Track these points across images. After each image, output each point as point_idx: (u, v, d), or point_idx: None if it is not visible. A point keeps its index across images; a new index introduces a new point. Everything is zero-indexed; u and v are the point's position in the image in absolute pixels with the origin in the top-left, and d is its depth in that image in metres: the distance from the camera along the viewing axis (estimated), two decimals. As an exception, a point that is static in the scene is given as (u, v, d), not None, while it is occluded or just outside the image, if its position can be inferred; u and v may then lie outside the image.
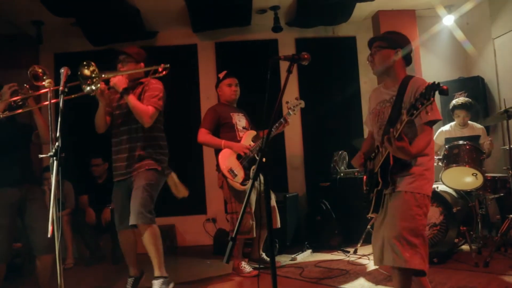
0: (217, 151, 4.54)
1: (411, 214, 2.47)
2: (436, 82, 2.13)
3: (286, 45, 6.67)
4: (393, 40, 2.73)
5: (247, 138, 4.62)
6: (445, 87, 2.15)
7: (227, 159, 4.47)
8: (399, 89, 2.61)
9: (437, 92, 2.10)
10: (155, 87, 3.79)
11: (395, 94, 2.63)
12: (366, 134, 6.19)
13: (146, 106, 3.66)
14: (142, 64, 3.91)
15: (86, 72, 3.35)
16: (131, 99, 3.63)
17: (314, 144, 6.62)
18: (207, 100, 6.45)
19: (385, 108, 2.70)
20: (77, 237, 5.68)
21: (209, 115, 4.66)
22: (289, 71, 2.31)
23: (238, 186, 4.42)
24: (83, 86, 3.38)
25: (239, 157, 4.48)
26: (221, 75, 4.83)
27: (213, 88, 6.45)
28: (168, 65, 3.84)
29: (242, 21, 6.24)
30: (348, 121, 6.57)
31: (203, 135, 4.55)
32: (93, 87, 3.38)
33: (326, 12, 6.05)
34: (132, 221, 3.61)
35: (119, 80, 3.65)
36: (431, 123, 2.52)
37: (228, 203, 4.54)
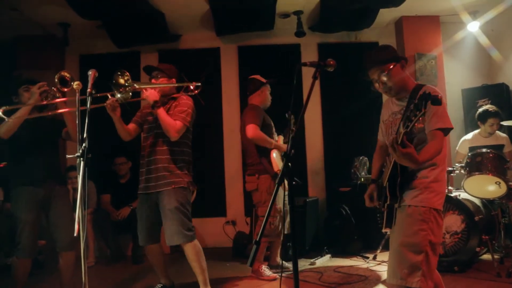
0: (260, 151, 4.51)
1: (414, 230, 2.40)
2: (427, 92, 2.11)
3: (309, 50, 6.67)
4: (391, 55, 2.64)
5: (281, 142, 4.68)
6: (439, 97, 2.13)
7: (279, 160, 4.49)
8: (408, 99, 2.57)
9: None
10: (185, 102, 3.79)
11: (405, 105, 2.59)
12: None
13: (174, 121, 3.65)
14: (173, 80, 3.92)
15: (121, 80, 3.44)
16: (161, 113, 3.62)
17: (335, 149, 6.60)
18: (228, 104, 6.53)
19: (396, 119, 2.66)
20: (98, 236, 5.74)
21: (257, 112, 4.59)
22: (315, 77, 2.30)
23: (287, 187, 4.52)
24: (116, 93, 3.47)
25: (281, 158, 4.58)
26: (263, 80, 4.78)
27: (234, 92, 6.56)
28: (200, 84, 3.88)
29: (265, 25, 6.24)
30: (370, 127, 6.25)
31: (257, 130, 4.44)
32: (125, 96, 3.47)
33: (349, 18, 6.02)
34: (173, 242, 3.63)
35: (151, 94, 3.66)
36: (443, 131, 2.43)
37: (260, 206, 4.53)
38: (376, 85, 2.64)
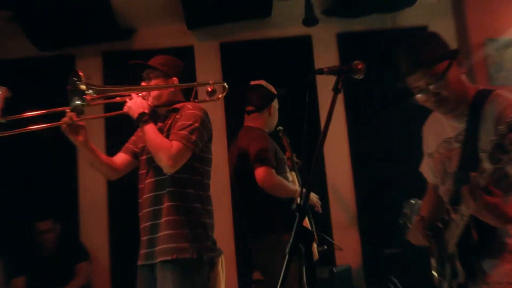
0: (276, 204, 4.30)
1: None
2: None
3: (324, 43, 6.54)
4: (442, 49, 2.59)
5: (296, 183, 4.49)
6: None
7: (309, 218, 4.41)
8: (469, 117, 2.51)
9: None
10: (189, 113, 3.51)
11: (464, 128, 2.53)
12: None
13: (168, 141, 3.40)
14: (175, 79, 3.70)
15: (81, 86, 3.24)
16: (148, 130, 3.39)
17: (370, 188, 6.34)
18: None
19: (452, 151, 2.60)
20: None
21: (268, 144, 4.37)
22: (336, 90, 2.20)
23: (316, 255, 4.42)
24: (72, 101, 3.27)
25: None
26: (273, 89, 4.64)
27: (217, 109, 6.40)
28: (225, 84, 3.75)
29: (259, 12, 6.18)
30: (419, 155, 6.24)
31: (274, 177, 4.20)
32: (82, 102, 3.25)
33: None
34: None
35: (136, 103, 3.44)
36: None
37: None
38: (421, 96, 2.55)
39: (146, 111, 3.41)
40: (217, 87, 3.71)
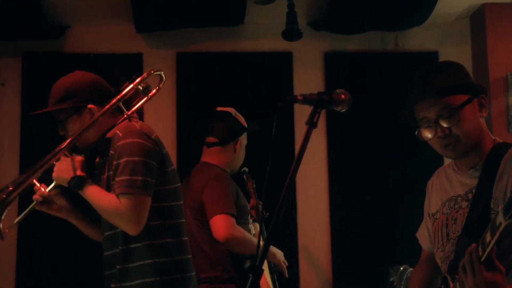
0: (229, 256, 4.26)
1: None
2: None
3: (307, 62, 6.38)
4: (463, 81, 2.63)
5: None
6: None
7: (266, 278, 4.43)
8: (483, 170, 2.50)
9: None
10: (121, 147, 3.18)
11: (475, 184, 2.50)
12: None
13: (116, 200, 3.14)
14: (91, 107, 3.31)
15: None
16: (90, 196, 3.18)
17: (350, 252, 6.25)
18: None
19: (459, 211, 2.58)
20: None
21: (229, 188, 4.31)
22: (312, 123, 2.14)
23: None
24: None
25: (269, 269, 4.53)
26: (244, 121, 4.60)
27: (169, 136, 6.39)
28: (162, 73, 3.47)
29: (228, 17, 6.06)
30: (413, 216, 6.21)
31: (234, 228, 4.13)
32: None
33: (383, 8, 5.85)
34: None
35: (62, 166, 3.21)
36: None
37: None
38: (428, 130, 2.58)
39: (78, 172, 3.19)
40: (152, 79, 3.46)
